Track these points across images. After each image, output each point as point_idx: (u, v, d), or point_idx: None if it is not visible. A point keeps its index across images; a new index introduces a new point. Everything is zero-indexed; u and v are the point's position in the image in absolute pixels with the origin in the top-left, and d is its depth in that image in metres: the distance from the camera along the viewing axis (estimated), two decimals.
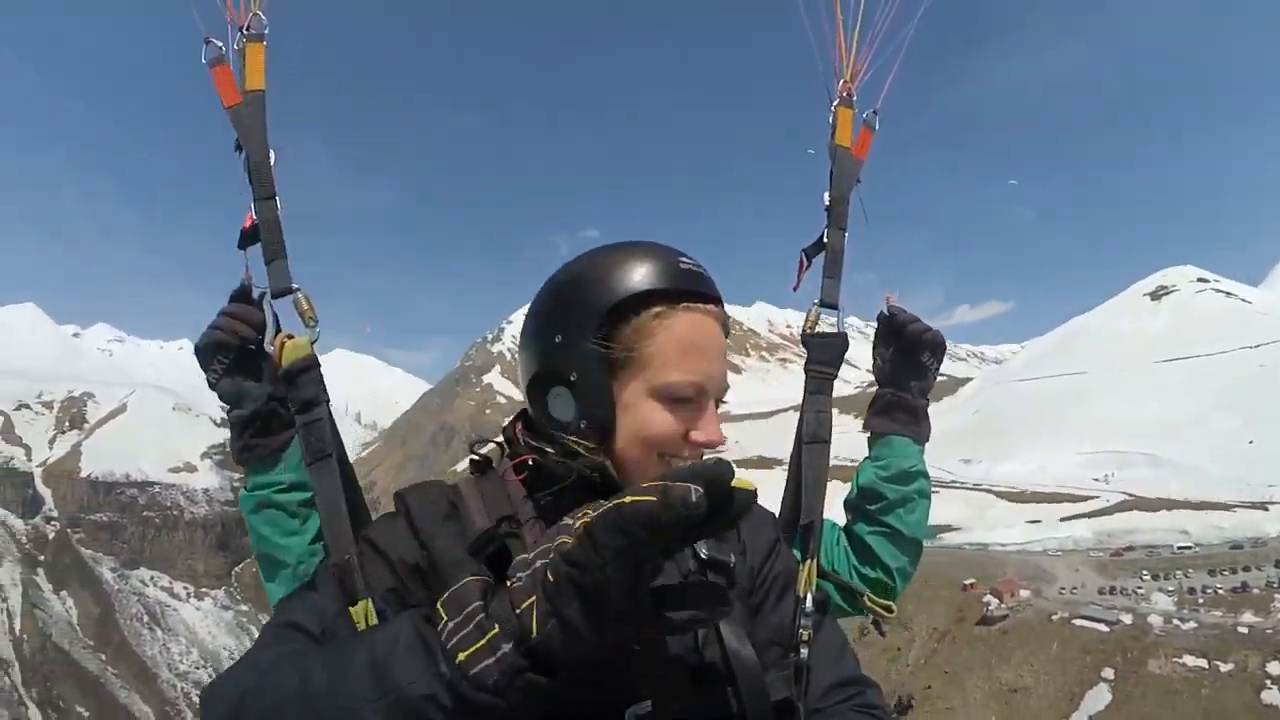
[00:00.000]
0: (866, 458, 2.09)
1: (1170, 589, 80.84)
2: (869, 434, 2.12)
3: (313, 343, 1.68)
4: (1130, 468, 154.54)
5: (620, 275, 1.34)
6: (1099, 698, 64.50)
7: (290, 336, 1.67)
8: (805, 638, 1.50)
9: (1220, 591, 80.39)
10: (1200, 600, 77.20)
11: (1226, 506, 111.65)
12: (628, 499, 0.84)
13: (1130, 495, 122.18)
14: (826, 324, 2.02)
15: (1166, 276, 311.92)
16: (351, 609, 1.35)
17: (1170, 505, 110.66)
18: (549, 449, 1.38)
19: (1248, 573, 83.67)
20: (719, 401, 1.40)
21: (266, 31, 1.82)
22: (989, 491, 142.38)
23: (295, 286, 1.73)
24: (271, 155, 1.77)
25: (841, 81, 2.11)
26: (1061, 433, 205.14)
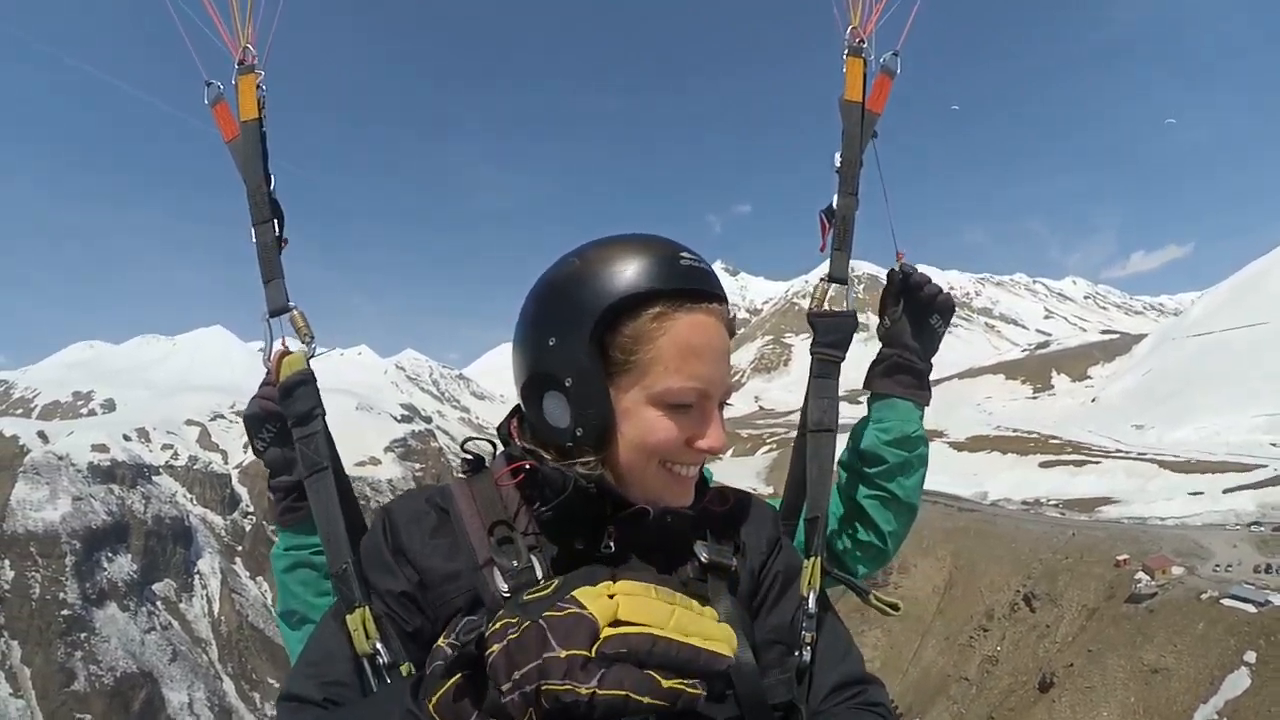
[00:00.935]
0: (865, 418, 2.01)
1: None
2: (870, 394, 2.03)
3: (309, 358, 1.69)
4: None
5: (616, 274, 1.27)
6: (1238, 682, 59.97)
7: (288, 352, 1.70)
8: (809, 640, 1.46)
9: None
10: None
11: None
12: (645, 699, 0.88)
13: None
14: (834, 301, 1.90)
15: None
16: (348, 616, 1.34)
17: None
18: (545, 454, 1.34)
19: None
20: (723, 404, 1.37)
21: (256, 62, 1.84)
22: (1153, 461, 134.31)
23: (292, 305, 1.74)
24: (271, 180, 1.79)
25: (850, 27, 1.90)
26: (1240, 393, 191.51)
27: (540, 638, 0.91)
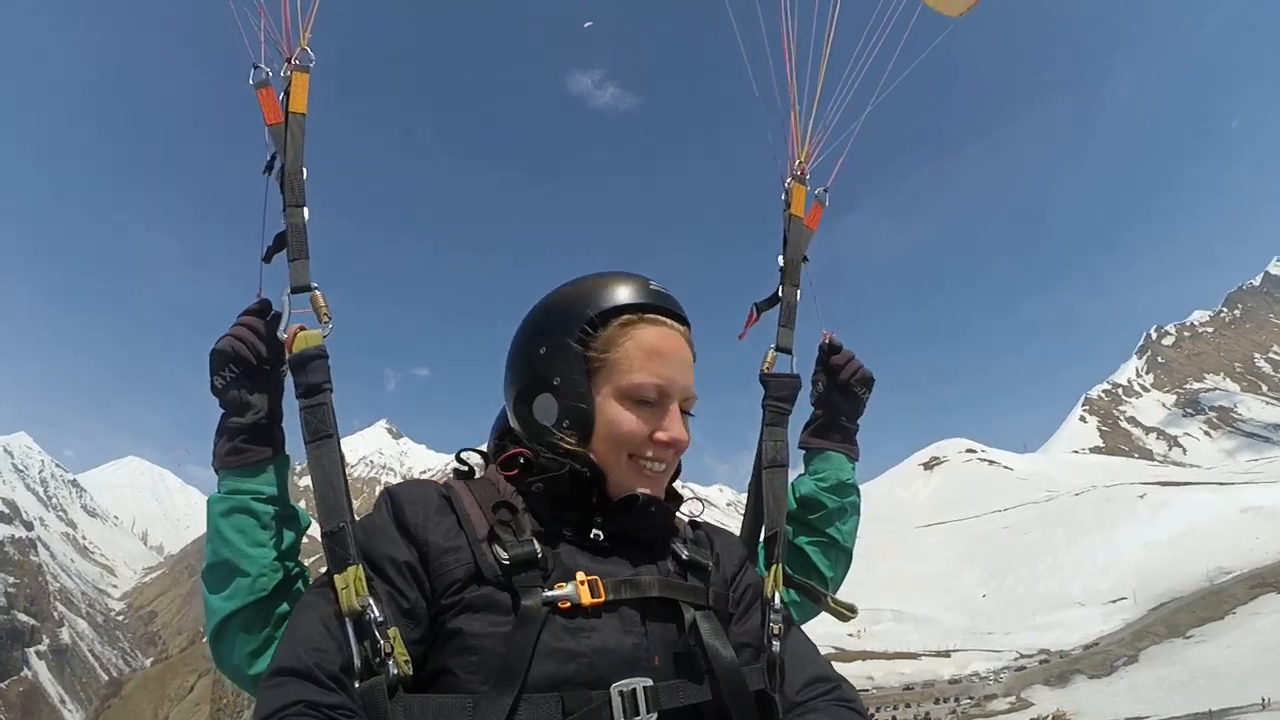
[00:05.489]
0: (803, 473, 2.18)
1: None
2: (805, 451, 2.21)
3: (325, 337, 1.72)
4: (878, 623, 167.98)
5: (598, 293, 1.55)
6: None
7: (303, 328, 1.73)
8: (776, 631, 1.57)
9: None
10: None
11: (913, 655, 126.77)
12: None
13: (835, 649, 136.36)
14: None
15: (940, 448, 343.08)
16: (338, 575, 1.35)
17: (865, 656, 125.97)
18: (539, 447, 1.52)
19: (909, 709, 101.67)
20: (687, 410, 1.57)
21: (312, 64, 1.93)
22: None
23: (314, 285, 1.78)
24: (304, 172, 1.86)
25: (797, 161, 2.29)
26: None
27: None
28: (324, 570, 1.43)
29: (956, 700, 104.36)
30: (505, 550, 1.37)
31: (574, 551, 1.45)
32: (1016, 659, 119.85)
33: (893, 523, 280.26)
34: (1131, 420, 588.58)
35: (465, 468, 1.66)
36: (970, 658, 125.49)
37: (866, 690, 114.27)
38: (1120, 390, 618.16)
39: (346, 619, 1.32)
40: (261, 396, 1.75)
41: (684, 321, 1.60)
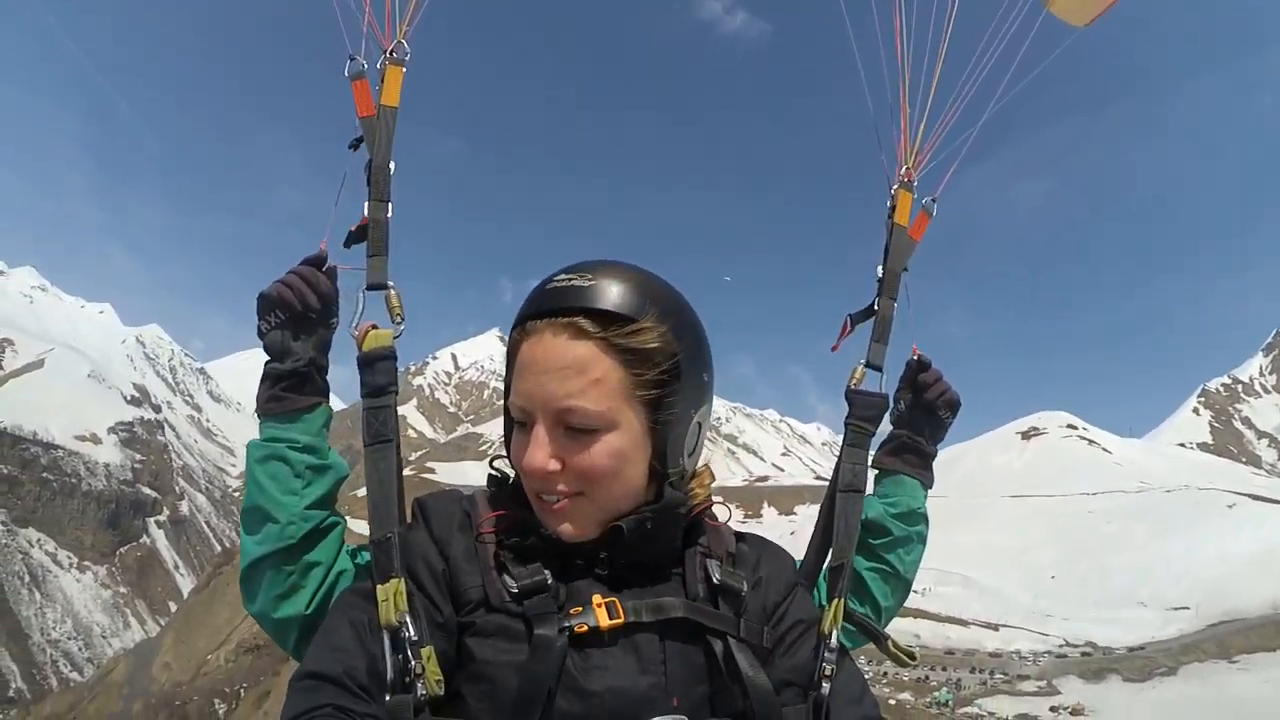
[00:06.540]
0: (871, 494, 2.05)
1: (869, 672, 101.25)
2: (878, 470, 2.12)
3: (395, 338, 1.71)
4: (946, 585, 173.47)
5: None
6: None
7: (375, 327, 1.72)
8: (828, 672, 1.50)
9: (905, 678, 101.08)
10: (884, 680, 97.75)
11: (962, 623, 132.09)
12: None
13: None
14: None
15: (1041, 419, 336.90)
16: (380, 586, 1.35)
17: (916, 615, 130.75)
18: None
19: (944, 671, 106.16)
20: (574, 425, 1.35)
21: (408, 58, 1.91)
22: None
23: (390, 284, 1.77)
24: (392, 166, 1.84)
25: (904, 167, 2.17)
26: None
27: None
28: (365, 547, 1.48)
29: (990, 673, 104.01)
30: (515, 580, 1.34)
31: (590, 581, 1.40)
32: (1061, 646, 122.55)
33: (982, 487, 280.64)
34: (1245, 421, 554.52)
35: (500, 475, 1.59)
36: (1016, 635, 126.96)
37: (912, 646, 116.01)
38: (1240, 387, 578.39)
39: (384, 631, 1.31)
40: (304, 344, 1.72)
41: (570, 311, 1.36)
